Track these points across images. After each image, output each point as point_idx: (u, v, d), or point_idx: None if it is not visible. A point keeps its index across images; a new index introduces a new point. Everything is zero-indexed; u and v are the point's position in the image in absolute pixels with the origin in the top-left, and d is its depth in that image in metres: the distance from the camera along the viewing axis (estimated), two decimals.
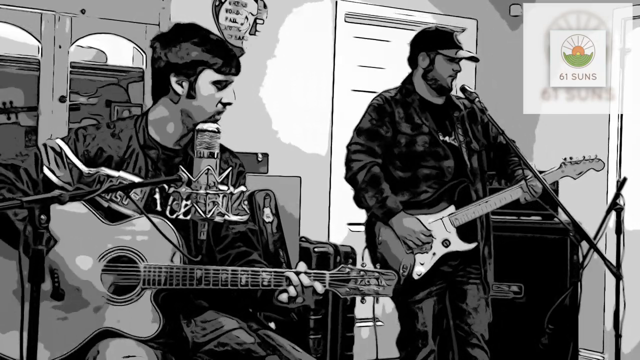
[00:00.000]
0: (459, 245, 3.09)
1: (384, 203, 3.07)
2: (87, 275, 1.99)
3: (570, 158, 3.14)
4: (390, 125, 3.13)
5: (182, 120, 2.15)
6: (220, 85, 2.14)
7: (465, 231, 3.11)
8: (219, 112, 2.16)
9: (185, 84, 2.11)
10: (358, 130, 3.18)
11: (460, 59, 3.16)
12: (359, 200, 3.16)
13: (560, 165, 3.14)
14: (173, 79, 2.12)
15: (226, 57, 2.14)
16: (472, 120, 3.26)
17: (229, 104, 2.16)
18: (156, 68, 2.15)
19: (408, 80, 3.26)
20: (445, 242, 3.09)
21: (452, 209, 3.10)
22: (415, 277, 3.06)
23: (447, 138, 3.16)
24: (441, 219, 3.09)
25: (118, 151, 2.13)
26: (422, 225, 3.05)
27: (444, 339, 3.29)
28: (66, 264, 1.98)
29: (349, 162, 3.16)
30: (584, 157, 3.15)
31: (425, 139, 3.12)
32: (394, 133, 3.13)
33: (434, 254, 3.08)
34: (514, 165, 3.25)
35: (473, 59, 3.25)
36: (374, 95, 3.28)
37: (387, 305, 3.34)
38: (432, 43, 3.18)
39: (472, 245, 3.11)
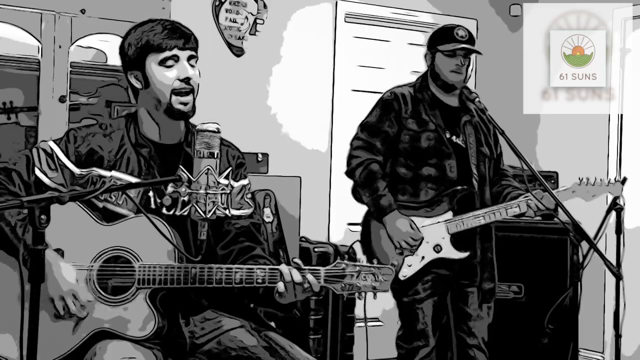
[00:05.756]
0: (450, 252, 3.06)
1: (377, 201, 3.07)
2: (72, 286, 1.98)
3: (587, 179, 3.05)
4: (395, 121, 3.12)
5: (154, 110, 2.13)
6: (168, 63, 2.09)
7: (460, 239, 3.08)
8: (183, 90, 2.09)
9: (140, 75, 2.11)
10: (362, 126, 3.19)
11: (466, 53, 3.11)
12: (355, 195, 3.19)
13: (572, 185, 3.05)
14: (130, 76, 2.14)
15: (167, 33, 2.08)
16: (486, 127, 3.23)
17: (188, 78, 2.09)
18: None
19: (424, 77, 3.24)
20: (437, 248, 3.06)
21: (450, 214, 3.07)
22: (401, 278, 3.05)
23: (454, 138, 3.13)
24: (437, 223, 3.07)
25: (110, 151, 2.13)
26: (412, 228, 3.04)
27: (444, 338, 3.30)
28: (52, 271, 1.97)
29: (349, 157, 3.17)
30: (601, 179, 3.05)
31: (430, 135, 3.09)
32: (399, 129, 3.12)
33: (422, 257, 3.06)
34: (507, 188, 3.20)
35: (472, 51, 3.14)
36: (377, 93, 3.28)
37: (386, 305, 3.34)
38: (433, 41, 3.19)
39: (464, 255, 3.07)
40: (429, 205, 3.09)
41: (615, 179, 3.10)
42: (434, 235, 3.06)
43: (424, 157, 3.09)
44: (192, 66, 2.12)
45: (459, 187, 3.09)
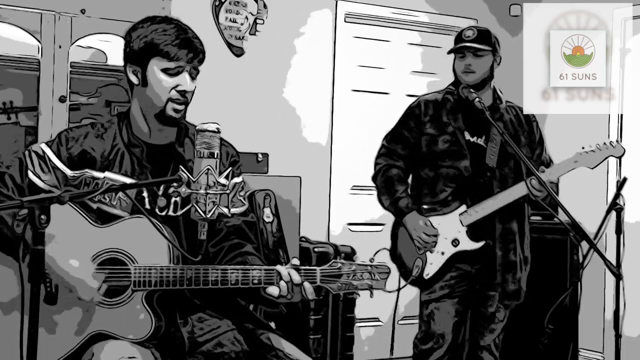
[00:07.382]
0: (467, 244, 3.09)
1: (396, 203, 3.17)
2: (79, 274, 1.98)
3: (589, 146, 3.05)
4: (416, 127, 3.21)
5: (146, 110, 2.13)
6: (170, 72, 2.07)
7: (477, 231, 3.10)
8: (177, 101, 2.08)
9: (139, 73, 2.10)
10: (387, 134, 3.30)
11: (475, 52, 3.14)
12: (380, 202, 3.27)
13: (574, 155, 3.05)
14: (129, 70, 2.12)
15: (179, 43, 2.07)
16: (519, 126, 3.24)
17: (185, 91, 2.08)
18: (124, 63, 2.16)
19: (453, 81, 3.28)
20: (455, 242, 3.10)
21: (463, 208, 3.11)
22: (425, 277, 3.10)
23: (475, 138, 3.17)
24: (451, 218, 3.10)
25: (103, 152, 2.12)
26: (426, 225, 3.09)
27: (457, 338, 3.30)
28: (58, 265, 1.97)
29: (374, 165, 3.30)
30: (603, 143, 3.03)
31: (447, 138, 3.15)
32: (420, 134, 3.20)
33: (442, 253, 3.10)
34: None
35: (471, 48, 3.16)
36: (377, 93, 3.33)
37: (386, 305, 3.34)
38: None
39: (479, 245, 3.10)
40: (446, 203, 3.13)
41: (617, 140, 3.08)
42: (451, 230, 3.10)
43: (439, 159, 3.15)
44: (193, 79, 2.11)
45: (471, 181, 3.11)
